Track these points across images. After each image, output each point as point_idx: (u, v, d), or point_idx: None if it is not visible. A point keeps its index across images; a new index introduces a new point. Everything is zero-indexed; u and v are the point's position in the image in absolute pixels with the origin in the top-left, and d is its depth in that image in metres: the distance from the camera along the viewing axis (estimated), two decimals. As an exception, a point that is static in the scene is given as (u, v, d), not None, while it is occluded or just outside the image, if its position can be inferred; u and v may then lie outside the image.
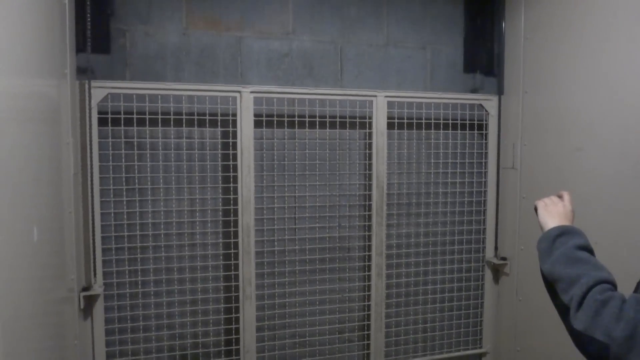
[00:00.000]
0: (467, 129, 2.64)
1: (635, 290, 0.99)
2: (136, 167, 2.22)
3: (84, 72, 2.09)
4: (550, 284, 1.07)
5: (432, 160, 2.63)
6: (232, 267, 2.31)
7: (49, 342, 1.68)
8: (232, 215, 2.29)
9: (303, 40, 2.47)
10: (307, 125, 2.40)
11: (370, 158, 2.47)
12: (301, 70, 2.45)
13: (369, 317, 2.54)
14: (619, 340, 0.88)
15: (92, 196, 2.10)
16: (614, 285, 0.99)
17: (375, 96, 2.42)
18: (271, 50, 2.41)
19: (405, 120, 2.52)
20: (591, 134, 2.05)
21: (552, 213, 1.20)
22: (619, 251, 1.85)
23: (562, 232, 1.12)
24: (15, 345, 1.30)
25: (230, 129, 2.26)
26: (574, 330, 0.96)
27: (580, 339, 0.95)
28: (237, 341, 2.34)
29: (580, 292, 0.97)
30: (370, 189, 2.48)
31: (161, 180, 2.26)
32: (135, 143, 2.21)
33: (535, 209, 1.27)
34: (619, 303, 0.92)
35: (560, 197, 1.27)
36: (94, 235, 2.11)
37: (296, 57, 2.44)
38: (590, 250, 1.09)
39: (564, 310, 1.01)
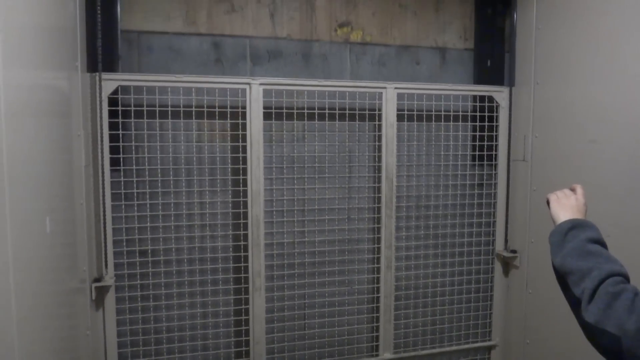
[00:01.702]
0: (478, 120, 2.61)
1: None
2: (146, 159, 2.23)
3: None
4: (562, 277, 1.07)
5: (442, 153, 2.61)
6: (242, 259, 2.32)
7: (62, 333, 1.70)
8: (241, 207, 2.30)
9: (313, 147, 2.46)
10: (316, 117, 2.39)
11: (379, 150, 2.46)
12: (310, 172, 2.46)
13: (378, 309, 2.54)
14: (631, 332, 0.87)
15: (103, 188, 2.11)
16: (626, 278, 0.98)
17: (385, 88, 2.41)
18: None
19: (415, 113, 2.50)
20: (605, 125, 2.03)
21: (565, 206, 1.20)
22: (632, 244, 1.84)
23: (574, 226, 1.12)
24: (31, 335, 1.32)
25: (240, 121, 2.26)
26: (585, 323, 0.95)
27: (592, 332, 0.94)
28: (247, 332, 2.35)
29: (592, 284, 0.96)
30: (379, 182, 2.47)
31: (171, 173, 2.27)
32: (146, 135, 2.22)
33: (547, 202, 1.26)
34: (631, 295, 0.91)
35: (572, 190, 1.26)
36: (105, 226, 2.13)
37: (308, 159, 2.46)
38: (602, 244, 1.08)
39: (575, 303, 1.00)
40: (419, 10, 2.61)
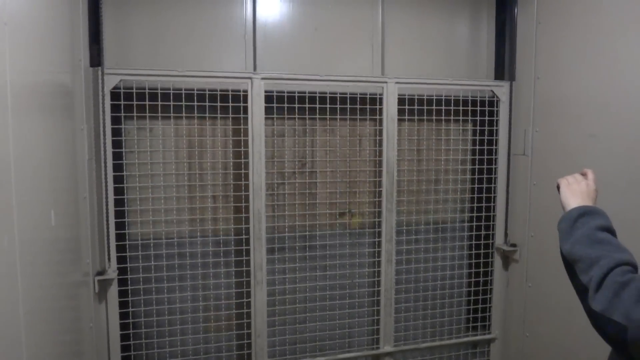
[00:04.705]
0: (478, 115, 2.62)
1: None
2: (149, 153, 2.23)
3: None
4: (570, 265, 1.05)
5: (443, 147, 2.62)
6: (244, 253, 2.34)
7: (66, 325, 1.71)
8: (243, 201, 2.31)
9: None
10: (317, 111, 2.40)
11: (380, 144, 2.47)
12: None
13: (378, 302, 2.56)
14: (637, 322, 0.86)
15: (106, 182, 2.12)
16: (635, 268, 0.97)
17: (386, 82, 2.42)
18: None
19: (416, 107, 2.51)
20: (605, 120, 2.04)
21: (575, 192, 1.18)
22: (632, 238, 1.84)
23: (583, 212, 1.10)
24: (37, 327, 1.33)
25: (242, 116, 2.27)
26: (592, 311, 0.94)
27: (598, 320, 0.93)
28: (249, 325, 2.37)
29: (600, 273, 0.95)
30: (380, 175, 2.49)
31: (173, 167, 2.28)
32: (148, 129, 2.22)
33: (558, 187, 1.24)
34: (639, 285, 0.90)
35: (584, 175, 1.25)
36: (108, 220, 2.14)
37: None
38: (612, 231, 1.07)
39: (582, 291, 0.99)
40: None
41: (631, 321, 0.87)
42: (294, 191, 2.46)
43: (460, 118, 2.61)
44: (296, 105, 2.37)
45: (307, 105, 2.37)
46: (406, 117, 2.50)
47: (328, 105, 2.42)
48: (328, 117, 2.45)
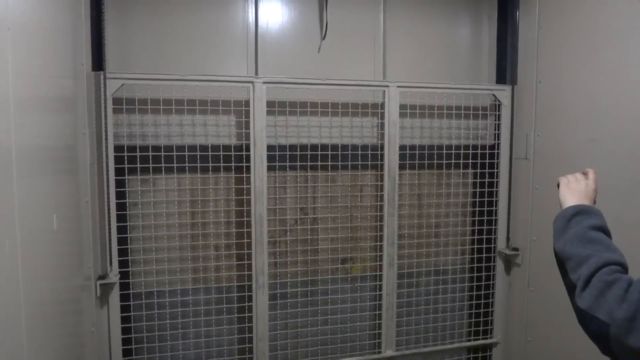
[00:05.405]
0: (480, 119, 2.62)
1: None
2: (150, 157, 2.24)
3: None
4: (562, 263, 1.07)
5: (444, 151, 2.62)
6: (245, 257, 2.34)
7: (68, 329, 1.71)
8: (244, 205, 2.31)
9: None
10: (319, 115, 2.40)
11: (382, 149, 2.47)
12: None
13: (380, 306, 2.55)
14: (619, 321, 0.87)
15: (108, 186, 2.12)
16: (624, 268, 0.98)
17: (388, 86, 2.42)
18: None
19: (418, 110, 2.51)
20: (606, 124, 2.04)
21: (573, 191, 1.19)
22: (633, 242, 1.84)
23: (578, 211, 1.11)
24: (39, 331, 1.33)
25: (244, 120, 2.27)
26: (578, 308, 0.96)
27: (583, 317, 0.95)
28: (250, 329, 2.37)
29: (588, 271, 0.97)
30: (382, 179, 2.49)
31: (175, 171, 2.28)
32: (150, 133, 2.23)
33: (558, 185, 1.25)
34: (624, 285, 0.91)
35: (585, 174, 1.26)
36: (109, 224, 2.14)
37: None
38: (606, 231, 1.08)
39: (571, 289, 1.01)
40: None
41: (614, 319, 0.88)
42: (295, 238, 2.48)
43: (462, 121, 2.60)
44: (298, 153, 2.40)
45: (309, 153, 2.40)
46: (408, 119, 2.49)
47: (330, 153, 2.45)
48: (329, 163, 2.47)
